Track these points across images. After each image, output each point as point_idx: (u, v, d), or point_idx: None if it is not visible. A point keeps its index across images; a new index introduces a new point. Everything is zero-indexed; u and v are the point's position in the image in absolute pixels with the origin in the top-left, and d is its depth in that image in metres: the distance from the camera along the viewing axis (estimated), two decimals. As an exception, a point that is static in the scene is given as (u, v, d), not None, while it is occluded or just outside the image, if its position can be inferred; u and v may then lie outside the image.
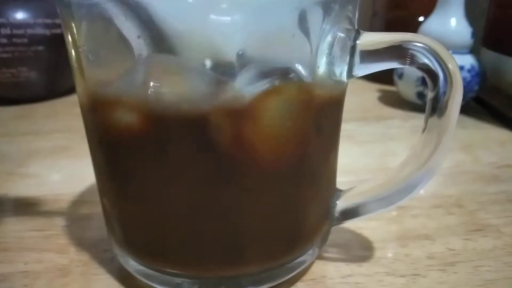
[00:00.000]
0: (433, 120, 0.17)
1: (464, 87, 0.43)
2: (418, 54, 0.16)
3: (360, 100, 0.50)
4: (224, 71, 0.14)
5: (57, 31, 0.46)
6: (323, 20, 0.15)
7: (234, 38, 0.14)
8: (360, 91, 0.52)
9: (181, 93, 0.14)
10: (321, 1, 0.15)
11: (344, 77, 0.17)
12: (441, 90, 0.16)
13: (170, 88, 0.14)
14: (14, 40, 0.44)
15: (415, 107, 0.46)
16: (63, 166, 0.33)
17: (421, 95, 0.44)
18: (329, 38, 0.15)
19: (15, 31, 0.43)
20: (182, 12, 0.14)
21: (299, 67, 0.15)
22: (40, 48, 0.45)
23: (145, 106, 0.15)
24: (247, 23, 0.14)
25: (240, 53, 0.14)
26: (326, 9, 0.15)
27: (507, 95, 0.46)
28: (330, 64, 0.16)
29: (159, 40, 0.14)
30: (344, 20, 0.16)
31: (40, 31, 0.45)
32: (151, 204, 0.17)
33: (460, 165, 0.33)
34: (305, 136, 0.16)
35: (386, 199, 0.19)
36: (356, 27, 0.17)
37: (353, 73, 0.17)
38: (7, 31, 0.43)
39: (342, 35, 0.16)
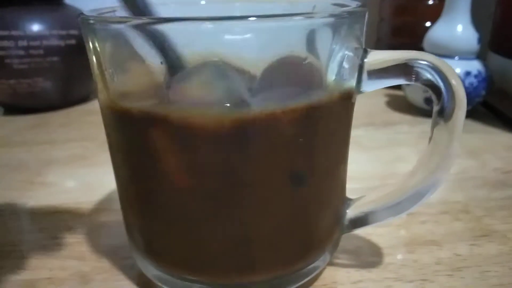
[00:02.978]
0: (439, 131, 0.18)
1: (471, 92, 0.44)
2: (423, 71, 0.17)
3: (367, 105, 0.50)
4: (238, 91, 0.15)
5: (71, 42, 0.47)
6: (332, 40, 0.16)
7: (247, 59, 0.15)
8: (368, 96, 0.52)
9: (201, 112, 0.15)
10: (330, 22, 0.16)
11: (352, 93, 0.18)
12: (445, 104, 0.17)
13: (192, 108, 0.15)
14: (31, 51, 0.45)
15: (423, 112, 0.46)
16: (80, 175, 0.34)
17: (428, 101, 0.45)
18: (338, 58, 0.16)
19: (31, 43, 0.45)
20: (201, 36, 0.15)
21: (309, 86, 0.16)
22: (55, 58, 0.47)
23: (167, 123, 0.16)
24: (260, 46, 0.15)
25: (253, 74, 0.15)
26: (335, 30, 0.16)
27: (514, 100, 0.47)
28: (339, 82, 0.17)
29: (180, 64, 0.15)
30: (352, 39, 0.17)
31: (55, 42, 0.46)
32: (172, 217, 0.18)
33: (467, 170, 0.33)
34: (316, 150, 0.17)
35: (395, 207, 0.20)
36: (363, 45, 0.18)
37: (361, 90, 0.18)
38: (24, 43, 0.45)
39: (351, 54, 0.17)
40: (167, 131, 0.16)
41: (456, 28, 0.43)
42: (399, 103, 0.50)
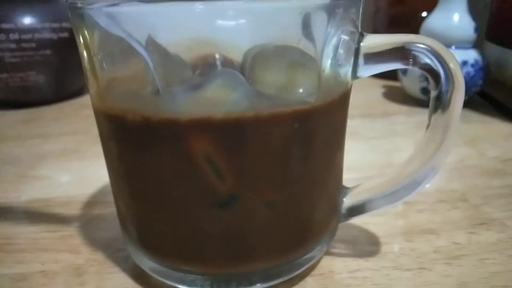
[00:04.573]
0: (437, 117, 0.17)
1: (468, 82, 0.44)
2: (420, 55, 0.16)
3: (365, 96, 0.50)
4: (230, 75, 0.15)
5: (64, 35, 0.47)
6: (328, 23, 0.16)
7: (240, 44, 0.15)
8: (365, 88, 0.53)
9: (192, 100, 0.15)
10: (325, 5, 0.16)
11: (348, 78, 0.17)
12: (444, 88, 0.16)
13: (182, 94, 0.15)
14: (23, 45, 0.44)
15: (420, 102, 0.46)
16: (73, 168, 0.34)
17: (425, 91, 0.45)
18: (333, 41, 0.16)
19: (23, 36, 0.44)
20: (191, 19, 0.14)
21: (305, 71, 0.15)
22: (48, 52, 0.46)
23: (157, 110, 0.15)
24: (253, 29, 0.15)
25: (246, 59, 0.15)
26: (330, 13, 0.16)
27: (510, 89, 0.46)
28: (335, 66, 0.16)
29: (166, 51, 0.14)
30: (348, 23, 0.16)
31: (47, 35, 0.46)
32: (164, 205, 0.17)
33: (464, 159, 0.33)
34: (312, 136, 0.17)
35: (392, 195, 0.19)
36: (359, 29, 0.17)
37: (358, 75, 0.17)
38: (15, 36, 0.44)
39: (346, 38, 0.16)
40: (158, 119, 0.15)
41: (453, 17, 0.43)
42: (396, 94, 0.50)
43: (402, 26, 0.54)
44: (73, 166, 0.34)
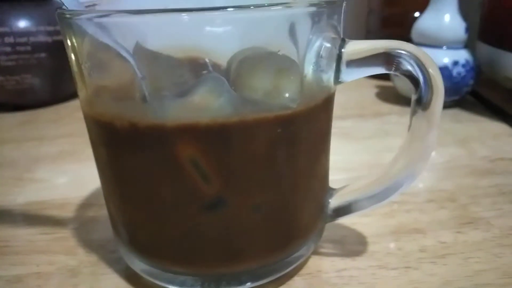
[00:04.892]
0: (417, 120, 0.18)
1: (459, 82, 0.44)
2: (402, 61, 0.17)
3: (358, 96, 0.50)
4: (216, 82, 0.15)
5: (59, 38, 0.47)
6: (310, 30, 0.16)
7: (226, 51, 0.15)
8: (358, 88, 0.53)
9: (178, 106, 0.15)
10: (310, 12, 0.16)
11: (331, 83, 0.18)
12: (423, 93, 0.17)
13: (169, 101, 0.15)
14: (18, 48, 0.45)
15: (412, 102, 0.46)
16: (69, 171, 0.34)
17: (417, 91, 0.45)
18: (315, 48, 0.16)
19: (18, 40, 0.45)
20: (179, 27, 0.15)
21: (287, 77, 0.16)
22: (43, 55, 0.46)
23: (145, 116, 0.16)
24: (239, 37, 0.15)
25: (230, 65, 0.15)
26: (314, 20, 0.16)
27: (502, 89, 0.47)
28: (317, 72, 0.17)
29: (154, 57, 0.15)
30: (329, 29, 0.17)
31: (42, 38, 0.46)
32: (153, 208, 0.18)
33: (454, 159, 0.33)
34: (296, 140, 0.17)
35: (377, 196, 0.20)
36: (341, 35, 0.18)
37: (340, 80, 0.18)
38: (10, 39, 0.44)
39: (328, 44, 0.17)
40: (145, 125, 0.16)
41: (444, 18, 0.43)
42: (389, 94, 0.51)
43: (395, 26, 0.55)
44: (68, 168, 0.34)
